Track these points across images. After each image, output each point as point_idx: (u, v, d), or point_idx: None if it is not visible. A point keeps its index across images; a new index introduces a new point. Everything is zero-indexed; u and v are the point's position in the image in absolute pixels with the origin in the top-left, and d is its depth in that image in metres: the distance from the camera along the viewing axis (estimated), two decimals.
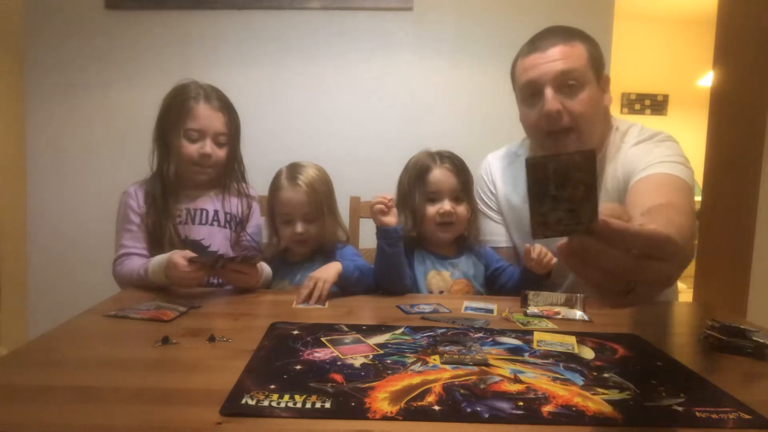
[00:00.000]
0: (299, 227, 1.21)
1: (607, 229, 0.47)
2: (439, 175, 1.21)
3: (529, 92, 1.12)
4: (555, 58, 1.08)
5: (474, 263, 1.26)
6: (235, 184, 1.35)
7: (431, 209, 1.21)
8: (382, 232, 1.13)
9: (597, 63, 1.12)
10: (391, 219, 1.12)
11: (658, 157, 1.02)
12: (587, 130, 1.09)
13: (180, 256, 1.04)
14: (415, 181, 1.22)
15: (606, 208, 0.50)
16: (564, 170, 0.48)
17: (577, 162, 0.48)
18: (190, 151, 1.25)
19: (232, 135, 1.30)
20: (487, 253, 1.29)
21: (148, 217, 1.24)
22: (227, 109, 1.29)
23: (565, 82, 1.07)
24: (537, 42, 1.13)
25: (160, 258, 1.09)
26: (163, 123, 1.28)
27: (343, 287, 1.14)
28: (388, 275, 1.13)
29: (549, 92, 1.07)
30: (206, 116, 1.25)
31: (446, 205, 1.20)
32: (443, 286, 1.21)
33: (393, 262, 1.13)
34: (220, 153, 1.28)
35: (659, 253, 0.48)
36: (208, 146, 1.25)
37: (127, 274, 1.18)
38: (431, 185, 1.21)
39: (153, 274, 1.09)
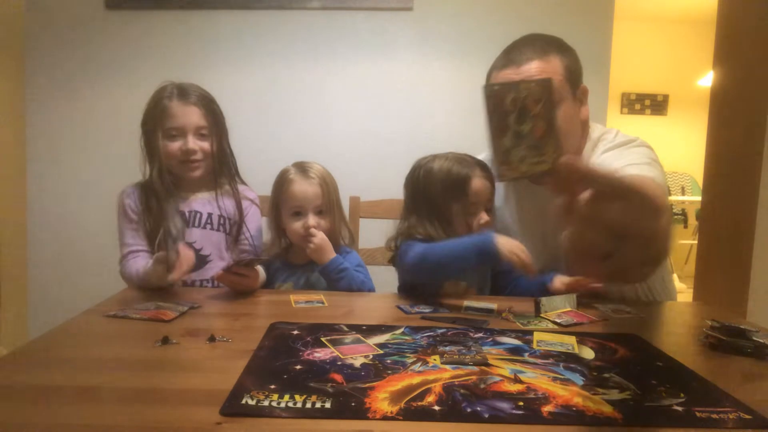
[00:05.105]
0: (311, 219, 1.20)
1: (574, 168, 0.45)
2: (480, 185, 1.14)
3: None
4: (530, 75, 1.06)
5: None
6: (230, 184, 1.33)
7: (473, 222, 1.14)
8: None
9: (573, 76, 1.10)
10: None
11: (626, 161, 1.00)
12: (561, 146, 1.10)
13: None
14: (452, 192, 1.13)
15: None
16: (522, 101, 0.47)
17: (534, 92, 0.48)
18: (173, 150, 1.24)
19: (212, 127, 1.28)
20: None
21: (145, 220, 1.24)
22: (203, 102, 1.28)
23: None
24: (512, 55, 1.10)
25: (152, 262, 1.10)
26: (145, 128, 1.27)
27: (324, 277, 1.17)
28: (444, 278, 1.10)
29: None
30: (182, 113, 1.24)
31: (485, 215, 1.15)
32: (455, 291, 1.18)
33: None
34: (205, 145, 1.27)
35: (631, 203, 0.46)
36: (190, 141, 1.24)
37: (133, 273, 1.18)
38: (472, 197, 1.13)
39: (148, 273, 1.10)
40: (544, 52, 1.08)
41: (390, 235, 1.21)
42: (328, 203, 1.23)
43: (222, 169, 1.33)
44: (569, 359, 0.73)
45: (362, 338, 0.79)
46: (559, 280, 1.06)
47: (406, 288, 1.16)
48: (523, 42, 1.13)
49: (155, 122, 1.25)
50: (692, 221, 4.32)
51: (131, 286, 1.19)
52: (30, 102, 2.02)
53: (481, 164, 1.18)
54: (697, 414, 0.56)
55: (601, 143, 1.13)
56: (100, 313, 0.91)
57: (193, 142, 1.24)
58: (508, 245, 0.98)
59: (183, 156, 1.24)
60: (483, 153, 1.34)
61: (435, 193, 1.14)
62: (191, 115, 1.25)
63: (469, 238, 1.04)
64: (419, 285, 1.12)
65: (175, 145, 1.24)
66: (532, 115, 0.47)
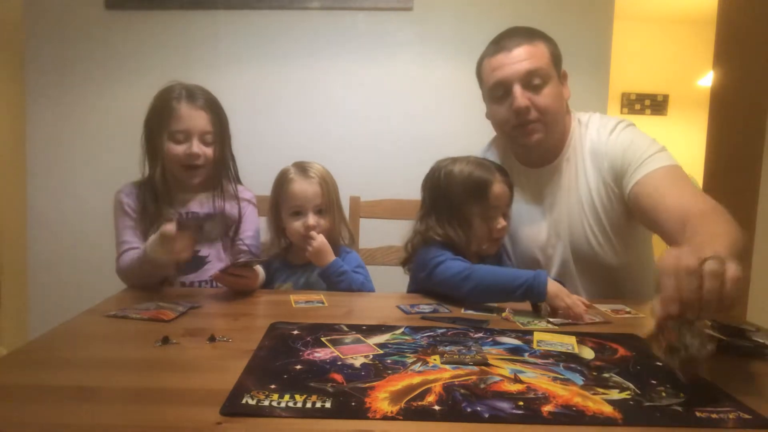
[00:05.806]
0: (311, 219, 1.20)
1: (672, 315, 0.63)
2: (500, 190, 1.12)
3: (499, 92, 1.18)
4: (521, 58, 1.14)
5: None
6: (228, 187, 1.33)
7: (493, 226, 1.13)
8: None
9: (557, 60, 1.20)
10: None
11: (648, 150, 1.11)
12: (552, 120, 1.17)
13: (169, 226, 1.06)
14: (473, 195, 1.11)
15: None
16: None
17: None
18: (177, 153, 1.23)
19: (218, 133, 1.28)
20: (501, 258, 1.26)
21: (142, 220, 1.24)
22: (211, 106, 1.27)
23: (532, 80, 1.14)
24: (502, 42, 1.18)
25: (154, 235, 1.11)
26: (149, 127, 1.27)
27: (324, 280, 1.18)
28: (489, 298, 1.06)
29: (518, 89, 1.14)
30: (189, 116, 1.23)
31: (503, 221, 1.14)
32: None
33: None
34: (209, 151, 1.26)
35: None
36: (195, 146, 1.23)
37: (129, 263, 1.18)
38: (493, 200, 1.11)
39: (150, 248, 1.10)
40: (531, 38, 1.17)
41: (407, 238, 1.19)
42: (328, 203, 1.22)
43: (221, 172, 1.32)
44: (569, 359, 0.73)
45: (362, 338, 0.79)
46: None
47: (420, 292, 1.13)
48: (509, 31, 1.21)
49: (161, 123, 1.24)
50: None
51: (129, 280, 1.19)
52: (30, 102, 2.02)
53: (500, 169, 1.17)
54: (697, 414, 0.57)
55: (591, 124, 1.21)
56: (100, 313, 0.91)
57: (198, 147, 1.23)
58: (556, 289, 0.96)
59: (186, 160, 1.24)
60: (489, 151, 1.34)
61: (456, 195, 1.12)
62: (198, 119, 1.24)
63: (523, 273, 0.99)
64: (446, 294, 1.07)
65: (180, 149, 1.23)
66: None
